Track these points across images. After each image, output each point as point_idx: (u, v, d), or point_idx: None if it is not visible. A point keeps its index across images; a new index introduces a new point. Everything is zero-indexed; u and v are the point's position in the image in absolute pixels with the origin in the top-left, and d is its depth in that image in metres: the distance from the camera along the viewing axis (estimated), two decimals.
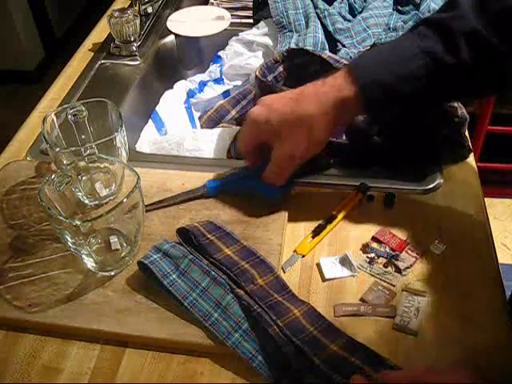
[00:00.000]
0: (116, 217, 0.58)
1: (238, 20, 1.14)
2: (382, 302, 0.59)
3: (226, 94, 1.05)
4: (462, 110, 0.72)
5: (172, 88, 1.03)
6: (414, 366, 0.53)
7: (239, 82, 1.07)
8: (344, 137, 0.78)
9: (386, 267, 0.63)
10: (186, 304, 0.57)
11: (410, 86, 0.60)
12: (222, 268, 0.60)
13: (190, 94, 1.04)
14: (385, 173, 0.74)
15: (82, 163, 0.66)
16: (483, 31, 0.58)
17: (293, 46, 0.95)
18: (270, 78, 0.80)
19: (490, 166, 1.90)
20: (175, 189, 0.72)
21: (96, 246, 0.64)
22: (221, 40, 1.09)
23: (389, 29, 1.02)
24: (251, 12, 1.12)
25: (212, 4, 1.21)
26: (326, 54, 0.81)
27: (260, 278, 0.59)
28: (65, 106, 0.72)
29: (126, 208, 0.58)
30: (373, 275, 0.62)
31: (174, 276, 0.59)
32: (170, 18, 1.14)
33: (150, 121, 0.97)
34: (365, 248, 0.65)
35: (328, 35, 0.99)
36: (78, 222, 0.56)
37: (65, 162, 0.66)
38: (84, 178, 0.70)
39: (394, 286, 0.61)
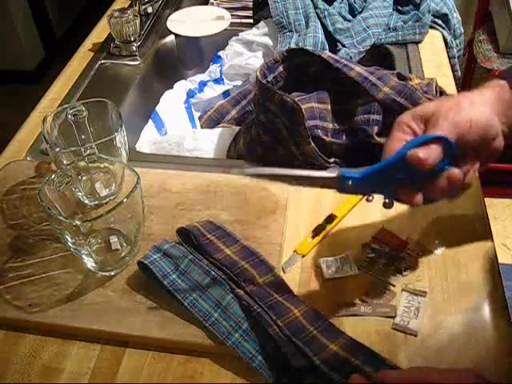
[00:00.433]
0: (116, 217, 0.58)
1: (238, 20, 1.15)
2: (382, 302, 0.59)
3: (226, 94, 1.05)
4: None
5: (172, 88, 1.03)
6: (413, 366, 0.53)
7: (239, 82, 1.07)
8: (344, 137, 0.78)
9: (386, 267, 0.63)
10: (186, 304, 0.57)
11: None
12: (222, 268, 0.60)
13: (190, 94, 1.04)
14: None
15: (82, 163, 0.66)
16: None
17: (293, 45, 0.95)
18: (270, 78, 0.81)
19: (489, 166, 1.90)
20: (175, 189, 0.72)
21: (96, 246, 0.64)
22: (221, 40, 1.09)
23: (389, 29, 1.02)
24: (251, 12, 1.12)
25: (212, 4, 1.21)
26: (326, 53, 0.81)
27: (260, 278, 0.59)
28: (65, 106, 0.72)
29: (126, 208, 0.58)
30: (373, 275, 0.62)
31: (174, 276, 0.59)
32: (170, 18, 1.15)
33: (149, 121, 0.97)
34: (365, 248, 0.65)
35: (328, 35, 0.99)
36: (78, 222, 0.56)
37: (65, 162, 0.66)
38: (84, 178, 0.70)
39: (394, 286, 0.61)
